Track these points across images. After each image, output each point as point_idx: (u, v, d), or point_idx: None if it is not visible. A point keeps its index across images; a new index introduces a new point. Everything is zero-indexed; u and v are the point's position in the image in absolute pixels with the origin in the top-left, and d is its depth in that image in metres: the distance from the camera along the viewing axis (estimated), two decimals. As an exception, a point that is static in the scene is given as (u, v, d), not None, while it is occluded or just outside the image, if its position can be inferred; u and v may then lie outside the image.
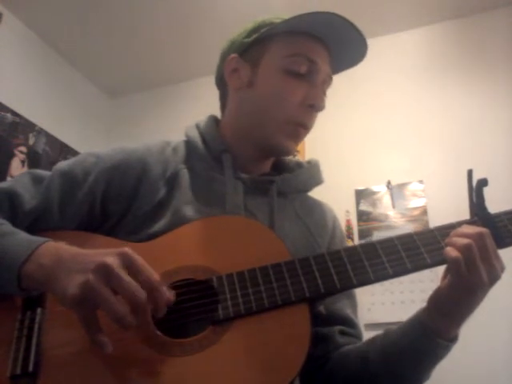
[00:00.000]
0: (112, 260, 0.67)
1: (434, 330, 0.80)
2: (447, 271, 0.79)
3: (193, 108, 3.16)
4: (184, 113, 3.27)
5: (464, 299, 0.78)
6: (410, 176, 2.76)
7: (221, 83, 1.06)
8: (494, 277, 0.76)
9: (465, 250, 0.74)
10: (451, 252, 0.75)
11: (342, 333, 0.96)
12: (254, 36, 0.98)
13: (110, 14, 3.05)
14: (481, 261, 0.75)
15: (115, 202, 0.91)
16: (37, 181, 0.90)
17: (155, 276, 0.69)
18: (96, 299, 0.66)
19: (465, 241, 0.75)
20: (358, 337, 0.99)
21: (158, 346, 0.72)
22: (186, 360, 0.71)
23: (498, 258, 0.77)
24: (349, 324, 0.98)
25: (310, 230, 1.00)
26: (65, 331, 0.75)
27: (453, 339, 0.82)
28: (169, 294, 0.71)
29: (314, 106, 0.96)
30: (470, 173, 0.85)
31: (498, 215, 0.82)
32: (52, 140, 3.13)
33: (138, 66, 3.43)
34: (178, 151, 0.99)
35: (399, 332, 0.86)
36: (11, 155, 2.86)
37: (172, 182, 0.93)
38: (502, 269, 0.77)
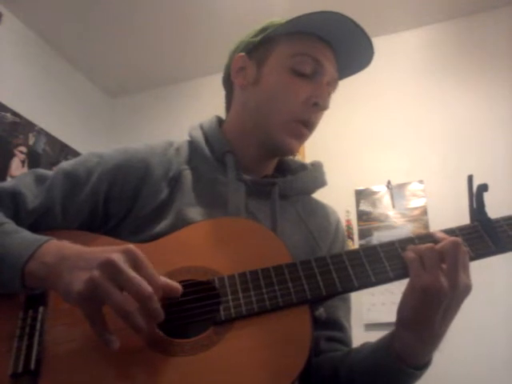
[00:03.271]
0: (117, 256, 0.67)
1: (396, 353, 0.79)
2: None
3: (193, 108, 3.16)
4: (184, 113, 3.28)
5: (425, 305, 0.75)
6: (409, 176, 2.76)
7: (227, 82, 1.07)
8: (455, 286, 0.73)
9: (423, 251, 0.75)
10: (408, 253, 0.77)
11: (329, 339, 0.96)
12: (261, 35, 0.99)
13: (110, 13, 3.05)
14: (439, 262, 0.74)
15: (118, 202, 0.91)
16: (40, 180, 0.91)
17: (158, 275, 0.70)
18: (101, 295, 0.66)
19: (428, 244, 0.76)
20: (345, 342, 0.98)
21: (159, 345, 0.72)
22: (187, 360, 0.71)
23: (464, 269, 0.75)
24: (338, 327, 0.98)
25: (311, 233, 1.00)
26: (67, 329, 0.75)
27: (419, 367, 0.80)
28: (176, 285, 0.72)
29: (317, 104, 0.96)
30: (470, 178, 0.85)
31: (497, 220, 0.82)
32: (52, 140, 3.13)
33: (138, 66, 3.43)
34: (181, 152, 0.99)
35: (367, 352, 0.85)
36: (11, 155, 2.86)
37: (174, 182, 0.94)
38: (469, 286, 0.75)
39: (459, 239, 0.76)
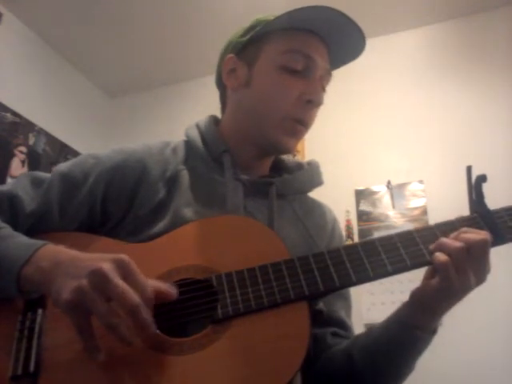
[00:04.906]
0: (107, 266, 0.67)
1: (413, 323, 0.81)
2: (434, 272, 0.78)
3: (193, 108, 3.16)
4: (184, 113, 3.27)
5: (447, 298, 0.78)
6: (409, 176, 2.76)
7: (220, 84, 1.06)
8: (480, 279, 0.77)
9: (455, 254, 0.75)
10: (440, 257, 0.76)
11: (334, 334, 0.97)
12: (249, 35, 0.98)
13: (110, 13, 3.05)
14: (471, 266, 0.75)
15: (115, 202, 0.91)
16: (36, 183, 0.91)
17: (149, 286, 0.70)
18: (88, 305, 0.66)
19: (454, 245, 0.75)
20: (350, 339, 0.98)
21: (157, 345, 0.72)
22: (186, 359, 0.71)
23: (488, 262, 0.77)
24: (342, 326, 0.98)
25: (309, 232, 0.99)
26: (65, 332, 0.74)
27: (433, 332, 0.83)
28: (169, 290, 0.72)
29: (311, 101, 0.95)
30: (468, 169, 0.85)
31: (497, 211, 0.82)
32: (52, 140, 3.13)
33: (138, 65, 3.43)
34: (178, 151, 0.99)
35: (380, 329, 0.86)
36: (11, 155, 2.86)
37: (172, 182, 0.93)
38: (489, 268, 0.78)
39: (488, 237, 0.76)
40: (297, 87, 0.94)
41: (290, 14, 0.92)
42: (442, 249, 0.76)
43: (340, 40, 0.96)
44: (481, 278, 0.76)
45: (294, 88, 0.94)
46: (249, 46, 0.99)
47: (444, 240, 0.77)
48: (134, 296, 0.66)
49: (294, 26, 0.95)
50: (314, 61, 0.95)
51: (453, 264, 0.74)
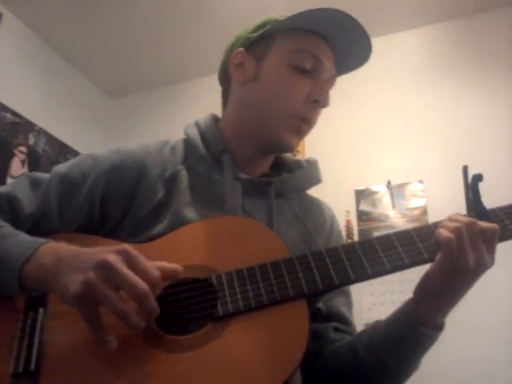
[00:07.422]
0: (112, 257, 0.68)
1: (418, 319, 0.81)
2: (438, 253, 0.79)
3: (193, 108, 3.15)
4: (184, 113, 3.27)
5: (450, 283, 0.78)
6: (409, 176, 2.76)
7: (224, 79, 1.06)
8: (480, 265, 0.77)
9: (455, 231, 0.76)
10: (443, 232, 0.77)
11: (336, 329, 0.97)
12: (261, 31, 0.99)
13: (110, 13, 3.05)
14: (469, 245, 0.76)
15: (114, 203, 0.91)
16: (35, 185, 0.91)
17: (156, 271, 0.70)
18: (97, 296, 0.66)
19: (455, 224, 0.77)
20: (352, 334, 0.99)
21: (157, 343, 0.72)
22: (186, 356, 0.71)
23: (488, 248, 0.77)
24: (343, 321, 0.99)
25: (308, 230, 1.00)
26: (66, 330, 0.75)
27: (438, 328, 0.83)
28: (174, 266, 0.73)
29: (318, 101, 0.96)
30: (465, 169, 0.87)
31: (493, 210, 0.83)
32: (52, 140, 3.13)
33: (138, 66, 3.44)
34: (177, 151, 0.99)
35: (385, 324, 0.86)
36: (11, 155, 2.86)
37: (171, 183, 0.93)
38: (492, 261, 0.78)
39: (474, 219, 0.78)
40: (305, 86, 0.95)
41: (302, 15, 0.93)
42: (445, 226, 0.78)
43: (346, 45, 0.97)
44: (480, 260, 0.76)
45: (302, 87, 0.95)
46: (259, 42, 0.99)
47: (446, 221, 0.79)
48: (142, 284, 0.67)
49: (304, 27, 0.96)
50: (322, 62, 0.96)
51: (455, 239, 0.76)
